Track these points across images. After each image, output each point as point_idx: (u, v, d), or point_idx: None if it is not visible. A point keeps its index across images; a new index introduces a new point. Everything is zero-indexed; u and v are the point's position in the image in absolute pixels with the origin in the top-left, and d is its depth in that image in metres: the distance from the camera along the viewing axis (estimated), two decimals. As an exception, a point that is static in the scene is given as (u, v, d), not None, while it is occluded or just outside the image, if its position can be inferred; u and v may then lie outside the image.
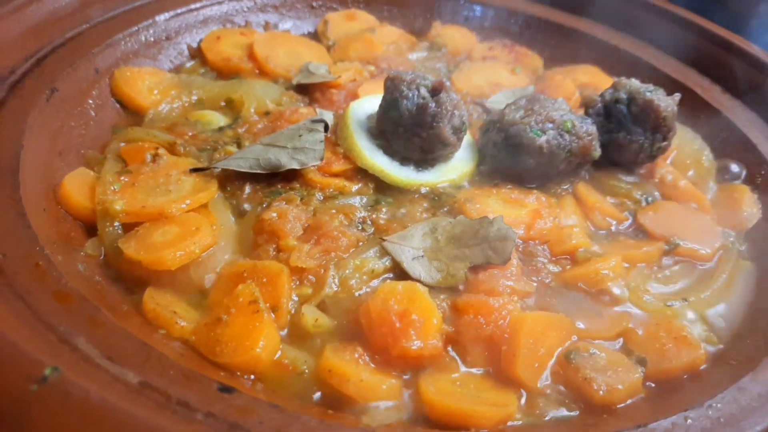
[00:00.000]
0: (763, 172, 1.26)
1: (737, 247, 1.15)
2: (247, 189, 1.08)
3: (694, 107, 1.42)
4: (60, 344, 0.67)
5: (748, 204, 1.22)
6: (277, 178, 1.10)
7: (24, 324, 0.68)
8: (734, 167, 1.30)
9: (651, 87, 1.20)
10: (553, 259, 1.05)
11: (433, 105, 1.10)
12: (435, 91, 1.12)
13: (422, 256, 0.97)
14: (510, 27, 1.72)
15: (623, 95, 1.19)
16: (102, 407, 0.57)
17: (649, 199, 1.20)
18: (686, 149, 1.34)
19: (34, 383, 0.57)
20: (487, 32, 1.72)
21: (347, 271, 0.94)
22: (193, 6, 1.49)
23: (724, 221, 1.19)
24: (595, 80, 1.53)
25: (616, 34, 1.64)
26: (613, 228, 1.15)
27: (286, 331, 0.88)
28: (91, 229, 0.99)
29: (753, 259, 1.12)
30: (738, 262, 1.10)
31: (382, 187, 1.13)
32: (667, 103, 1.17)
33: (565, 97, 1.44)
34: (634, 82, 1.21)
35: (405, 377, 0.84)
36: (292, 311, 0.89)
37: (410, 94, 1.12)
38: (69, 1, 1.29)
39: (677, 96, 1.20)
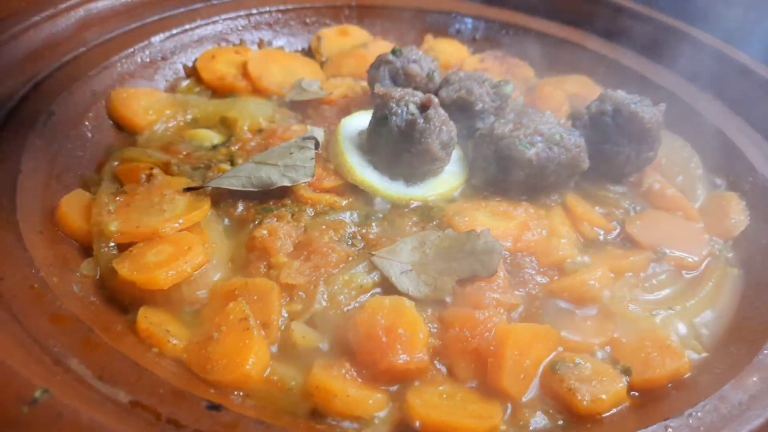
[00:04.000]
0: (751, 179, 1.27)
1: (725, 254, 1.16)
2: (240, 207, 1.11)
3: (683, 115, 1.43)
4: (54, 365, 0.70)
5: (736, 211, 1.22)
6: (269, 196, 1.12)
7: (19, 346, 0.70)
8: (719, 179, 1.32)
9: (636, 98, 1.21)
10: (541, 270, 1.06)
11: (422, 121, 1.13)
12: (424, 107, 1.14)
13: (410, 270, 0.99)
14: (501, 39, 1.74)
15: (608, 107, 1.21)
16: (92, 427, 0.60)
17: (638, 208, 1.22)
18: (675, 157, 1.35)
19: (25, 405, 0.60)
20: (478, 44, 1.75)
21: (336, 287, 0.96)
22: (187, 26, 1.52)
23: (712, 229, 1.21)
24: (586, 90, 1.55)
25: (605, 44, 1.66)
26: (601, 238, 1.16)
27: (276, 347, 0.90)
28: (87, 250, 1.01)
29: (740, 266, 1.14)
30: (725, 270, 1.12)
31: (373, 203, 1.15)
32: (651, 114, 1.18)
33: (555, 107, 1.47)
34: (620, 94, 1.22)
35: (392, 391, 0.86)
36: (282, 328, 0.91)
37: (399, 111, 1.14)
38: (66, 26, 1.32)
39: (662, 106, 1.22)
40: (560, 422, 0.86)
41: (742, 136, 1.36)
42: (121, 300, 0.95)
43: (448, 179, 1.21)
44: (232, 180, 1.12)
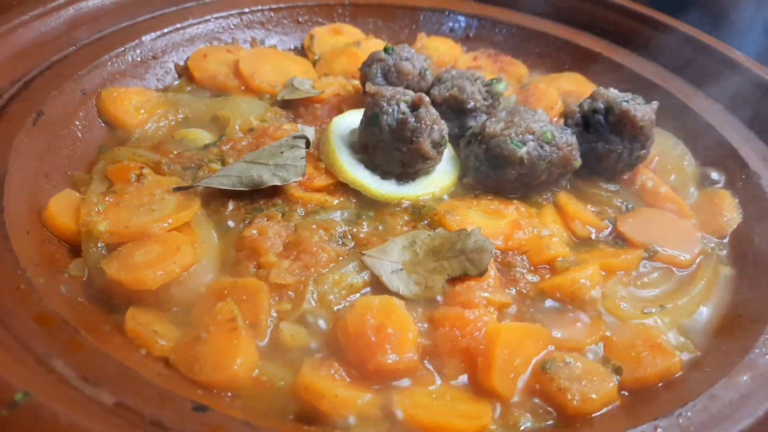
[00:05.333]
0: (744, 177, 1.27)
1: (717, 252, 1.16)
2: (230, 206, 1.10)
3: (676, 112, 1.43)
4: (37, 366, 0.69)
5: (729, 209, 1.22)
6: (259, 195, 1.12)
7: (1, 347, 0.69)
8: (714, 174, 1.31)
9: (629, 96, 1.21)
10: (532, 269, 1.06)
11: (413, 120, 1.12)
12: (414, 106, 1.13)
13: (401, 270, 0.99)
14: (494, 36, 1.74)
15: (600, 105, 1.20)
16: (72, 430, 0.59)
17: (630, 206, 1.22)
18: (668, 155, 1.35)
19: (5, 408, 0.59)
20: (471, 42, 1.74)
21: (326, 287, 0.95)
22: (179, 25, 1.51)
23: (704, 226, 1.20)
24: (579, 88, 1.55)
25: (599, 41, 1.65)
26: (593, 236, 1.16)
27: (265, 347, 0.89)
28: (75, 250, 1.00)
29: (733, 264, 1.13)
30: (717, 268, 1.11)
31: (364, 202, 1.15)
32: (644, 112, 1.18)
33: (548, 105, 1.47)
34: (612, 92, 1.22)
35: (382, 391, 0.85)
36: (272, 327, 0.91)
37: (390, 110, 1.13)
38: (56, 25, 1.31)
39: (655, 104, 1.22)
40: (550, 422, 0.85)
41: (734, 134, 1.36)
42: (110, 300, 0.94)
43: (439, 178, 1.21)
44: (223, 179, 1.11)
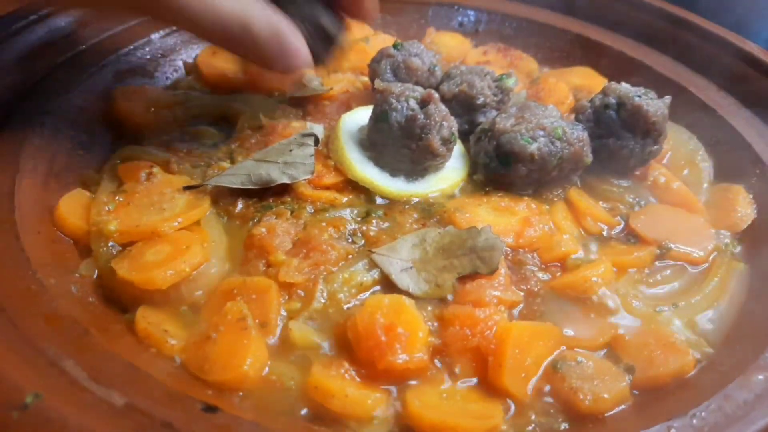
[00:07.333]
0: (758, 172, 1.25)
1: (731, 249, 1.14)
2: (240, 204, 1.10)
3: (689, 107, 1.41)
4: (48, 368, 0.69)
5: (743, 204, 1.20)
6: (268, 193, 1.11)
7: (12, 349, 0.70)
8: (728, 170, 1.29)
9: (641, 91, 1.19)
10: (543, 266, 1.05)
11: (422, 116, 1.11)
12: (424, 102, 1.13)
13: (411, 268, 0.98)
14: (504, 30, 1.72)
15: (612, 100, 1.19)
16: (81, 432, 0.59)
17: (642, 202, 1.20)
18: (681, 150, 1.33)
19: (15, 410, 0.59)
20: (481, 37, 1.73)
21: (335, 285, 0.95)
22: (188, 22, 1.50)
23: (718, 222, 1.18)
24: (590, 82, 1.53)
25: (609, 35, 1.64)
26: (605, 233, 1.14)
27: (275, 346, 0.89)
28: (86, 250, 1.00)
29: (747, 260, 1.12)
30: (731, 265, 1.09)
31: (373, 199, 1.14)
32: (656, 107, 1.16)
33: (559, 100, 1.45)
34: (624, 87, 1.20)
35: (392, 391, 0.85)
36: (281, 326, 0.91)
37: (399, 106, 1.13)
38: (64, 24, 1.32)
39: (668, 99, 1.20)
40: (562, 422, 0.84)
41: (749, 128, 1.33)
42: (120, 300, 0.95)
43: (449, 175, 1.20)
44: (232, 178, 1.11)
